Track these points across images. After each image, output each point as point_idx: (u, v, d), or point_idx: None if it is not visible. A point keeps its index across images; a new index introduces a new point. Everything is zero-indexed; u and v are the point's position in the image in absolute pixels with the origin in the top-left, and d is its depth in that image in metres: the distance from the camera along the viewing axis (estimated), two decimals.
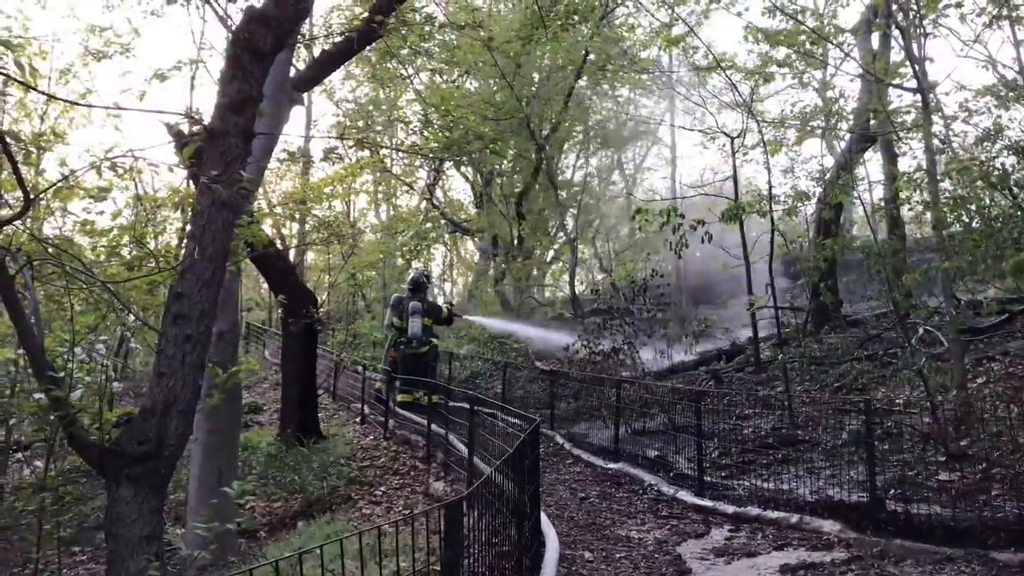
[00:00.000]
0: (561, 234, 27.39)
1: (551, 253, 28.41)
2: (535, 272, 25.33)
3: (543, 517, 6.46)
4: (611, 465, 10.24)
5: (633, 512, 8.09)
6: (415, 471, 10.31)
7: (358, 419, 14.06)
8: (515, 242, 23.60)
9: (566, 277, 28.69)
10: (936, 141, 10.04)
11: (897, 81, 12.14)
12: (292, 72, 9.84)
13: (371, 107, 26.30)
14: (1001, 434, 7.80)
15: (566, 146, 27.29)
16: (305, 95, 11.40)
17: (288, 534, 8.77)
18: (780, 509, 7.49)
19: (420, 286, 14.23)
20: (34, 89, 4.43)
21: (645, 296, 17.79)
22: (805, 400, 12.11)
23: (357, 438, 12.56)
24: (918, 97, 10.41)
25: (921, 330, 13.31)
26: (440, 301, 28.58)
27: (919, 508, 6.66)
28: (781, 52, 14.00)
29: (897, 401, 11.49)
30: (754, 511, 7.57)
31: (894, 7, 10.58)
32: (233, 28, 5.40)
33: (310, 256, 28.21)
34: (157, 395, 4.59)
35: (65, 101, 7.65)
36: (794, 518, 7.16)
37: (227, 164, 4.92)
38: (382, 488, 9.72)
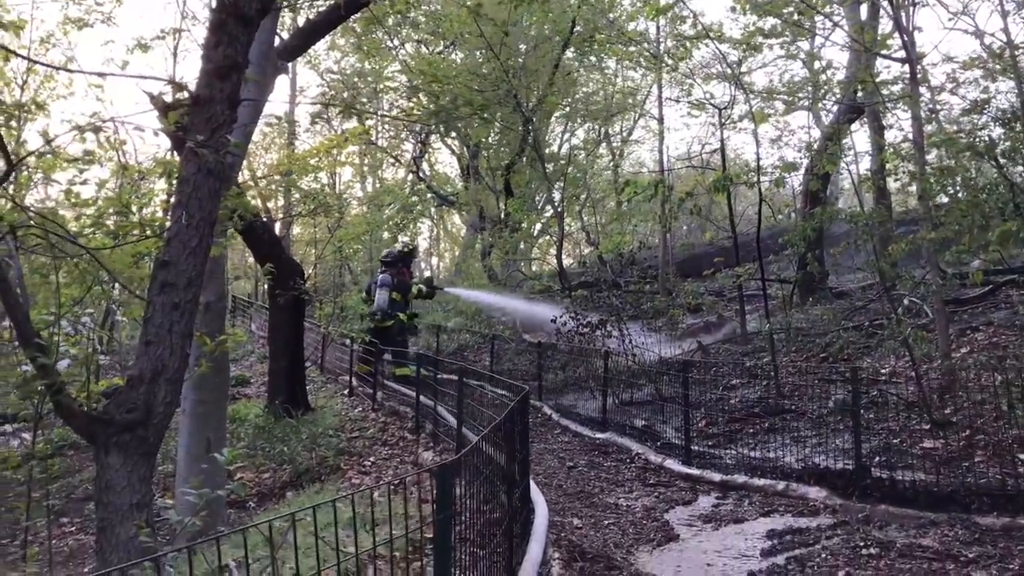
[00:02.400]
0: (548, 207, 27.34)
1: (538, 226, 28.38)
2: (522, 246, 25.29)
3: (532, 485, 6.49)
4: (599, 435, 10.31)
5: (621, 480, 8.15)
6: (404, 442, 10.33)
7: (346, 391, 14.06)
8: (502, 215, 23.53)
9: (553, 250, 28.71)
10: (923, 112, 10.05)
11: (885, 52, 12.11)
12: (276, 41, 9.70)
13: (356, 78, 26.08)
14: (984, 402, 7.89)
15: (552, 119, 27.16)
16: (290, 65, 11.24)
17: (277, 504, 8.79)
18: (767, 477, 7.57)
19: (395, 260, 14.30)
20: (16, 54, 4.33)
21: (632, 269, 17.83)
22: (791, 370, 12.21)
23: (345, 410, 12.56)
24: (906, 68, 10.41)
25: (906, 301, 13.40)
26: (426, 274, 28.56)
27: (903, 475, 6.75)
28: (769, 22, 13.94)
29: (882, 371, 11.60)
30: (741, 479, 7.64)
31: None
32: None
33: (296, 230, 28.04)
34: (145, 363, 4.56)
35: (49, 66, 7.50)
36: (780, 485, 7.24)
37: (213, 131, 4.85)
38: (371, 459, 9.74)
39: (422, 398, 10.82)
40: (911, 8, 10.42)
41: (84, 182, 5.25)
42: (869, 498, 6.57)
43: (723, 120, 15.27)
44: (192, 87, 5.13)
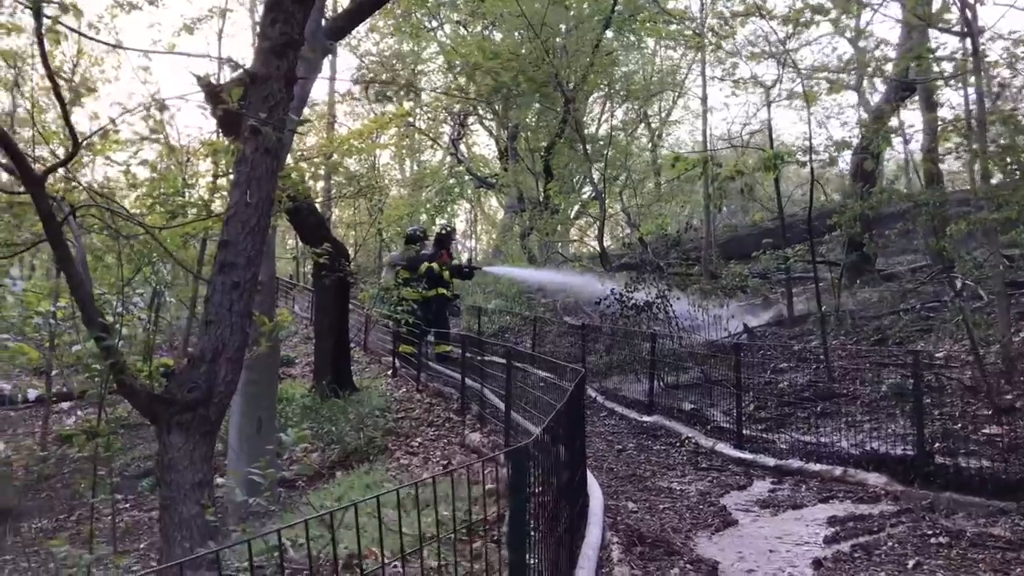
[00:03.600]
0: (586, 188, 27.09)
1: (576, 208, 28.16)
2: (559, 228, 25.12)
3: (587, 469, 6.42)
4: (646, 418, 10.20)
5: (672, 464, 8.05)
6: (450, 423, 10.32)
7: (389, 372, 14.12)
8: (542, 197, 23.38)
9: (592, 231, 28.45)
10: (986, 88, 9.71)
11: (943, 26, 11.71)
12: (322, 21, 9.66)
13: (395, 60, 26.05)
14: None
15: (591, 100, 26.88)
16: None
17: (327, 484, 8.83)
18: (823, 462, 7.42)
19: (413, 239, 14.89)
20: (73, 31, 4.32)
21: (676, 250, 17.61)
22: (841, 354, 11.96)
23: (390, 390, 12.59)
24: (960, 43, 10.08)
25: (959, 283, 13.05)
26: (464, 256, 28.51)
27: (968, 462, 6.54)
28: None
29: (937, 354, 11.32)
30: (796, 464, 7.50)
31: None
32: None
33: (335, 211, 28.13)
34: (206, 343, 4.56)
35: (102, 42, 7.48)
36: (838, 471, 7.09)
37: (270, 109, 4.82)
38: (418, 439, 9.74)
39: (467, 380, 10.79)
40: None
41: (143, 162, 5.25)
42: (932, 485, 6.40)
43: (770, 99, 14.99)
44: (239, 68, 5.11)
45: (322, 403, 11.17)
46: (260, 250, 4.81)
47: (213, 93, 6.32)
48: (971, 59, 9.70)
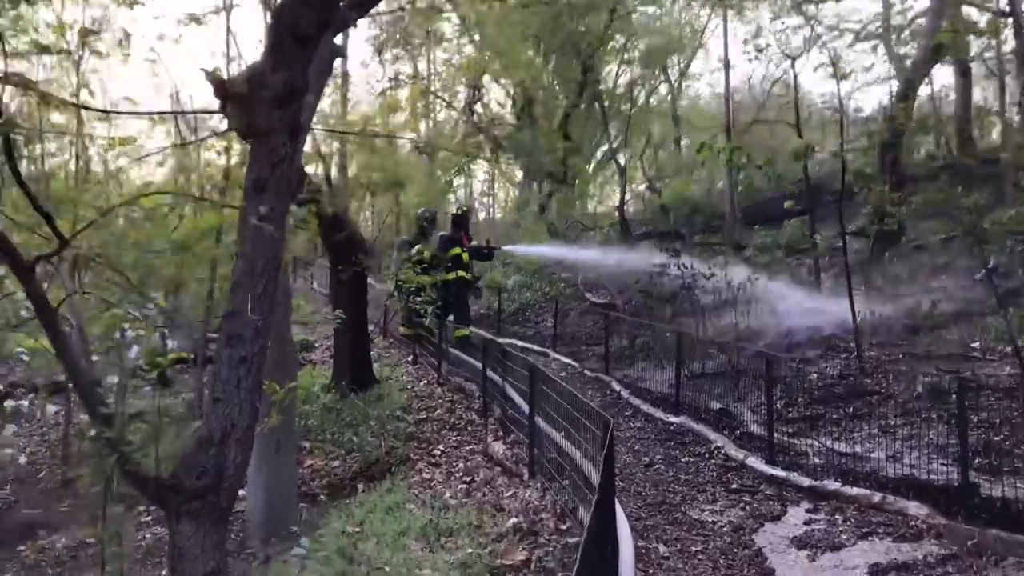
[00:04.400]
0: (603, 147, 26.45)
1: (594, 163, 27.56)
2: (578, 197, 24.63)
3: (618, 508, 6.17)
4: (672, 419, 9.97)
5: (702, 483, 7.81)
6: (472, 425, 10.12)
7: (410, 359, 13.97)
8: (560, 164, 22.84)
9: (610, 200, 27.98)
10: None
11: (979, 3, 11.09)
12: None
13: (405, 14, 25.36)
14: None
15: (608, 54, 26.12)
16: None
17: (348, 499, 8.70)
18: (859, 484, 7.16)
19: (424, 224, 15.02)
20: (71, 104, 4.01)
21: (701, 215, 17.26)
22: (872, 341, 11.61)
23: (411, 382, 12.40)
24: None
25: (991, 261, 12.56)
26: (480, 228, 28.10)
27: (1016, 490, 6.21)
28: None
29: (972, 344, 10.94)
30: (831, 486, 7.24)
31: None
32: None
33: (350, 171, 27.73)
34: (214, 423, 4.33)
35: (92, 110, 6.96)
36: (876, 497, 6.82)
37: (274, 165, 4.52)
38: (440, 446, 9.57)
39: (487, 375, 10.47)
40: None
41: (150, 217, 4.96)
42: (976, 520, 6.11)
43: (795, 71, 14.39)
44: (244, 59, 4.81)
45: (342, 402, 11.02)
46: (269, 316, 4.54)
47: (222, 87, 5.98)
48: (1015, 40, 9.18)
